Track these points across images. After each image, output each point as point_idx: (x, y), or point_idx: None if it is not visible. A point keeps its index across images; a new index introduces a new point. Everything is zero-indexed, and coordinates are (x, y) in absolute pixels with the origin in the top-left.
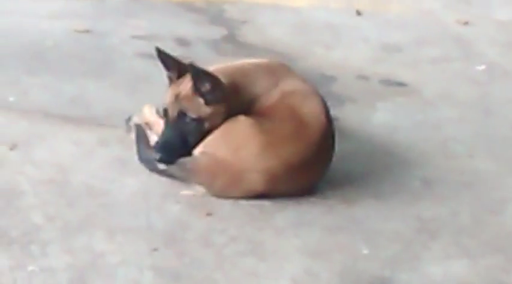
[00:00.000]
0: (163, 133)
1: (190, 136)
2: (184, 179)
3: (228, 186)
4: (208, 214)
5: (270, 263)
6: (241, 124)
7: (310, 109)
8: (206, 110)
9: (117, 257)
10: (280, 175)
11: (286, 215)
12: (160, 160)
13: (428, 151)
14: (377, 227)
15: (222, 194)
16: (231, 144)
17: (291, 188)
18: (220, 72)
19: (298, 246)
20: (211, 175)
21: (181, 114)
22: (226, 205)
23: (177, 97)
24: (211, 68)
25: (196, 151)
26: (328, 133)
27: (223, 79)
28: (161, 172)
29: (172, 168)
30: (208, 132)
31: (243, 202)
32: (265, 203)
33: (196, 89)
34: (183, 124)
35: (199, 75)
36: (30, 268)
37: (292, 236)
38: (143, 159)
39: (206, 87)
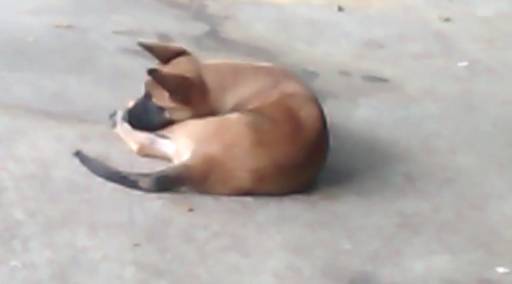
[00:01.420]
0: (137, 100)
1: (152, 116)
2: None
3: (217, 184)
4: (190, 210)
5: (253, 258)
6: (235, 123)
7: (308, 114)
8: (169, 104)
9: (99, 252)
10: (270, 175)
11: (268, 211)
12: (127, 121)
13: (410, 147)
14: (359, 223)
15: (209, 191)
16: (223, 141)
17: (278, 189)
18: (209, 69)
19: (280, 242)
20: (203, 175)
21: (148, 95)
22: (208, 200)
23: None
24: (208, 62)
25: (184, 147)
26: (322, 139)
27: (209, 76)
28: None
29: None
30: (172, 122)
31: (225, 198)
32: (248, 199)
33: (167, 90)
34: (148, 103)
35: (162, 80)
36: (12, 263)
37: (275, 232)
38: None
39: (172, 87)
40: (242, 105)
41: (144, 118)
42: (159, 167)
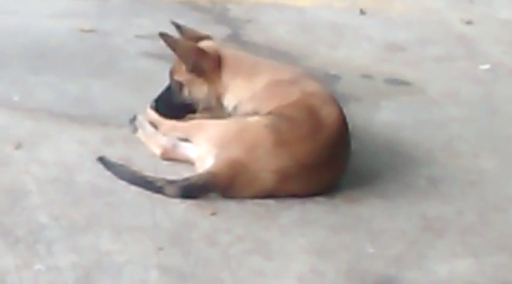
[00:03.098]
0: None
1: (175, 96)
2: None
3: (242, 187)
4: (213, 214)
5: (276, 262)
6: (255, 125)
7: (328, 113)
8: (186, 77)
9: (123, 256)
10: (293, 175)
11: (291, 214)
12: (152, 106)
13: (433, 150)
14: (382, 226)
15: (235, 195)
16: (245, 144)
17: (303, 189)
18: (228, 51)
19: (303, 245)
20: (228, 180)
21: (171, 73)
22: (232, 204)
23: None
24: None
25: (207, 152)
26: (344, 137)
27: (226, 56)
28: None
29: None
30: (193, 104)
31: (248, 201)
32: (270, 202)
33: (178, 56)
34: (172, 82)
35: (172, 43)
36: (36, 267)
37: (298, 235)
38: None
39: (182, 52)
40: (258, 96)
41: (168, 102)
42: (182, 171)
